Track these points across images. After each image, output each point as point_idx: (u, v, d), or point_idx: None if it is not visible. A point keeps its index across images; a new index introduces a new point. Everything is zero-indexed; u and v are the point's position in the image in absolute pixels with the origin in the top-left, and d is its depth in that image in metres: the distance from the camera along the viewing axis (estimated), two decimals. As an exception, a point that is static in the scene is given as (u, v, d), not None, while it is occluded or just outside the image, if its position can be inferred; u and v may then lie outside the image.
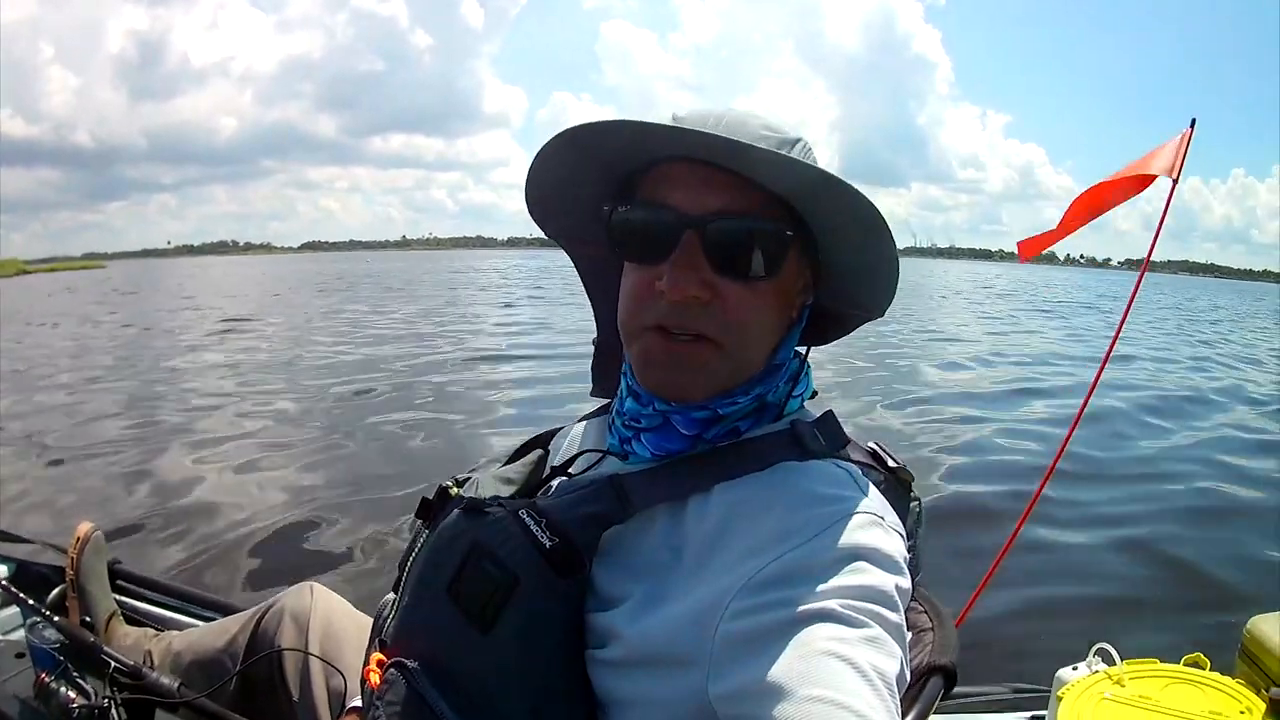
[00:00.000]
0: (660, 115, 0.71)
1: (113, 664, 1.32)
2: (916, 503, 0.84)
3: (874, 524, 0.64)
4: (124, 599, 1.79)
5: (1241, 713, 1.47)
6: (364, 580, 3.28)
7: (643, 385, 0.75)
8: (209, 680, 1.34)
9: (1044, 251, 2.74)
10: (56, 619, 1.41)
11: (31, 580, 1.75)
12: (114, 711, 1.25)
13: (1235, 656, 1.68)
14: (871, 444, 0.83)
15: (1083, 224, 2.55)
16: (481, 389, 8.60)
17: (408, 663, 0.68)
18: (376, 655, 0.73)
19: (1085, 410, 2.54)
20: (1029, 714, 1.75)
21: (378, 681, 0.70)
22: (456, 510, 0.73)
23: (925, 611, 0.92)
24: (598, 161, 0.73)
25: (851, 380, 9.28)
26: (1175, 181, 2.44)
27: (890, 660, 0.55)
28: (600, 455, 0.81)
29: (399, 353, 11.52)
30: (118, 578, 1.82)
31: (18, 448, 5.86)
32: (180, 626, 1.71)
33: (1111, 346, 2.59)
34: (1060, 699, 1.53)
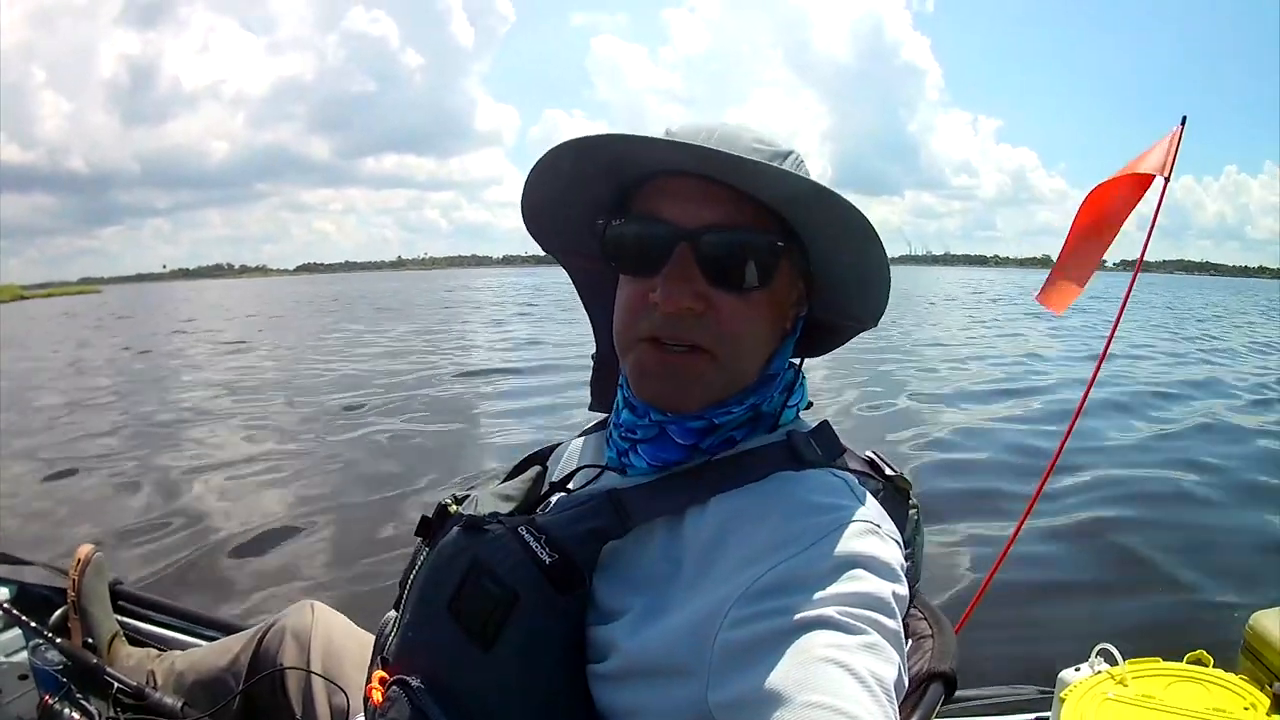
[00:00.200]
0: (652, 129, 0.72)
1: (116, 684, 1.33)
2: (914, 511, 0.84)
3: (871, 532, 0.65)
4: (126, 620, 1.79)
5: (1245, 709, 1.47)
6: (364, 598, 3.28)
7: (638, 396, 0.75)
8: (212, 700, 1.34)
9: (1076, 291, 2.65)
10: (59, 640, 1.41)
11: (33, 602, 1.75)
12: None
13: (1238, 653, 1.69)
14: (868, 453, 0.83)
15: (1100, 254, 2.53)
16: (480, 405, 8.63)
17: (410, 680, 0.68)
18: (379, 673, 0.73)
19: (1081, 412, 2.54)
20: (1033, 716, 1.75)
21: (380, 699, 0.70)
22: (456, 528, 0.74)
23: (924, 618, 0.92)
24: (592, 176, 0.74)
25: (847, 386, 9.29)
26: (1167, 180, 2.44)
27: (888, 667, 0.55)
28: (599, 470, 0.81)
29: (396, 370, 11.55)
30: (119, 599, 1.82)
31: (19, 469, 5.86)
32: (182, 646, 1.71)
33: (1106, 349, 2.59)
34: (1063, 700, 1.53)
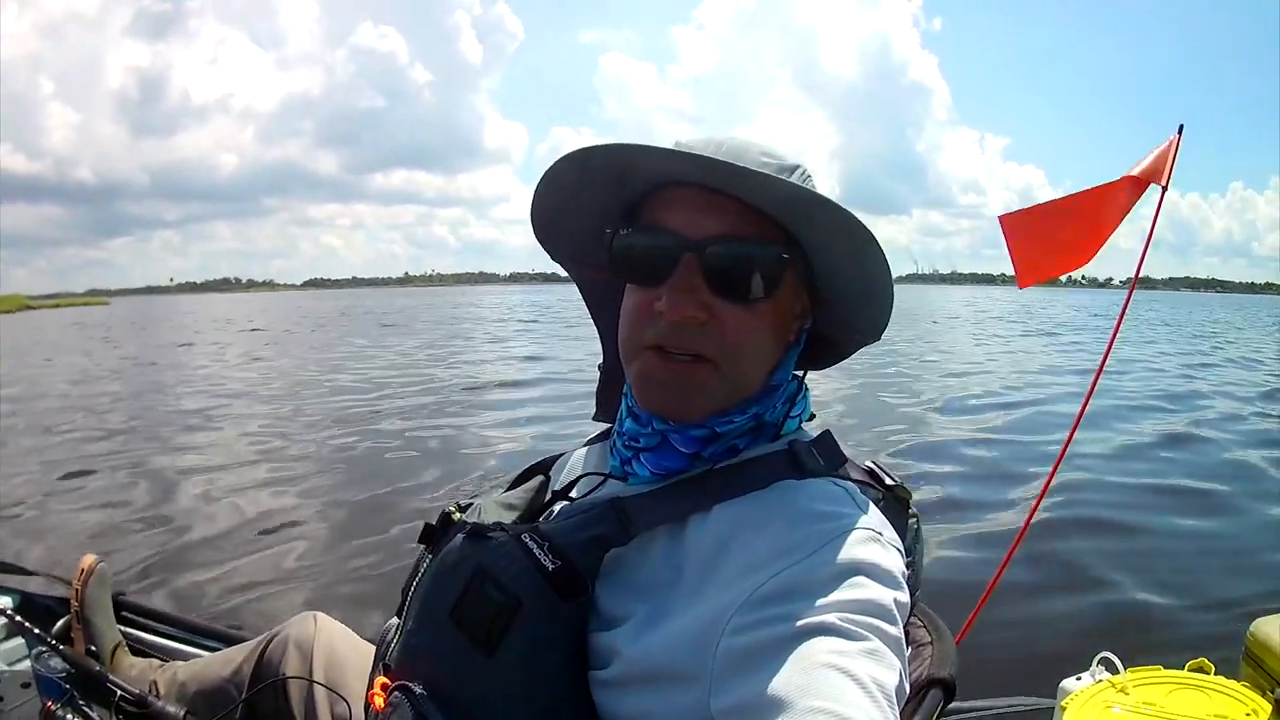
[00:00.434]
0: (662, 145, 0.73)
1: (118, 692, 1.33)
2: (914, 520, 0.84)
3: (872, 539, 0.65)
4: (129, 630, 1.79)
5: (1247, 715, 1.47)
6: (367, 608, 3.27)
7: (642, 405, 0.76)
8: (214, 709, 1.34)
9: (1048, 279, 2.65)
10: (62, 648, 1.42)
11: (37, 612, 1.75)
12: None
13: (1239, 660, 1.68)
14: (869, 463, 0.84)
15: (1092, 253, 2.51)
16: (485, 417, 8.62)
17: (413, 686, 0.68)
18: (381, 679, 0.74)
19: (1079, 423, 2.54)
20: None
21: (382, 705, 0.70)
22: (460, 535, 0.74)
23: (924, 626, 0.93)
24: (600, 185, 0.75)
25: (850, 398, 9.29)
26: (1165, 188, 2.44)
27: (889, 673, 0.56)
28: (601, 479, 0.82)
29: (400, 383, 11.56)
30: (122, 609, 1.82)
31: (23, 479, 5.86)
32: (185, 657, 1.71)
33: (1104, 360, 2.59)
34: (1065, 709, 1.53)
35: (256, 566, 3.99)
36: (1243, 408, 9.03)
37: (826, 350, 0.86)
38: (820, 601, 0.58)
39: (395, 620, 0.81)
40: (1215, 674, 1.59)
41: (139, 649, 1.75)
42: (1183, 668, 1.61)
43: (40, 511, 5.01)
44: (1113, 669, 1.61)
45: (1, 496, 5.32)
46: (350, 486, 5.49)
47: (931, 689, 0.82)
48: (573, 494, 0.84)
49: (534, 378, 12.26)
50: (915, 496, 0.84)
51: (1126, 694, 1.54)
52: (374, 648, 0.86)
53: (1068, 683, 1.62)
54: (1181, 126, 2.49)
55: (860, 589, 0.60)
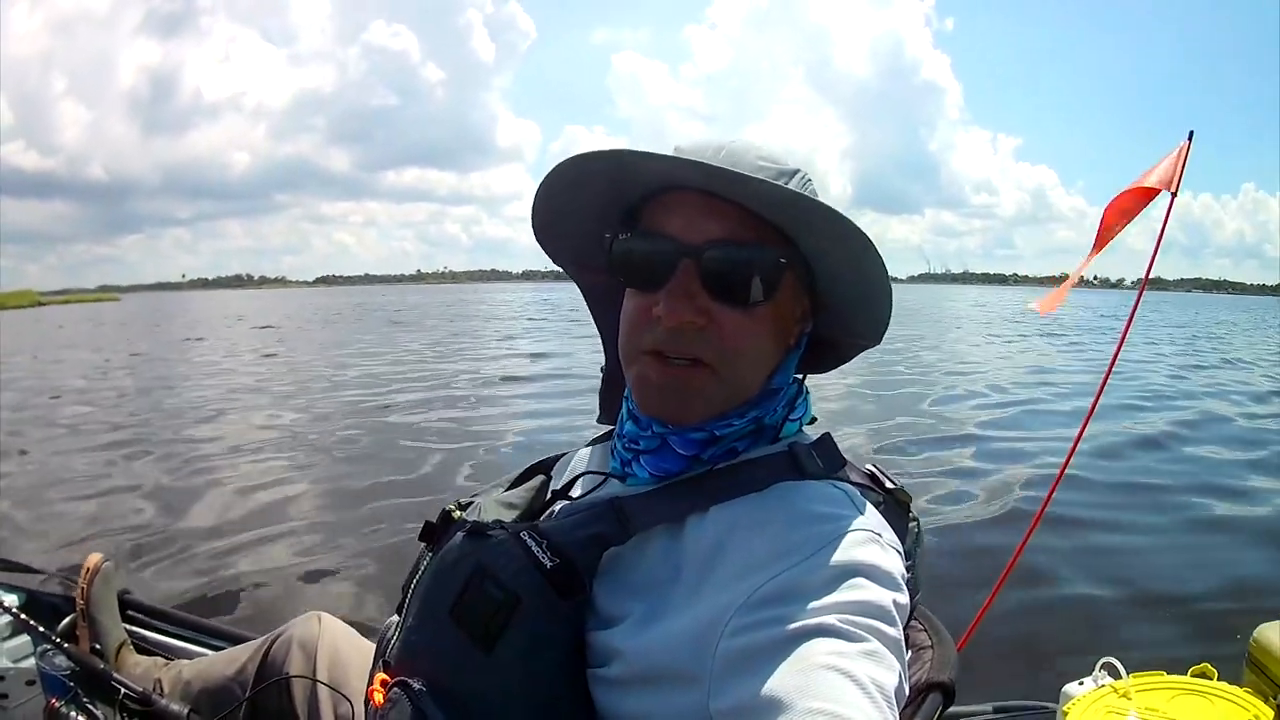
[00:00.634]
0: (672, 145, 0.74)
1: (123, 690, 1.33)
2: (915, 523, 0.84)
3: (872, 541, 0.65)
4: (134, 628, 1.80)
5: (1250, 722, 1.47)
6: (371, 609, 3.29)
7: (640, 409, 0.76)
8: (218, 708, 1.34)
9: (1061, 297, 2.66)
10: (67, 646, 1.42)
11: (42, 610, 1.76)
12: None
13: (1242, 665, 1.68)
14: (869, 466, 0.84)
15: (1094, 254, 2.52)
16: (490, 415, 8.64)
17: (412, 682, 0.69)
18: (380, 675, 0.74)
19: (1087, 426, 2.54)
20: None
21: (381, 701, 0.71)
22: (460, 533, 0.75)
23: (924, 630, 0.93)
24: (600, 190, 0.75)
25: (854, 401, 9.28)
26: (1174, 195, 2.43)
27: (889, 674, 0.56)
28: (602, 478, 0.82)
29: (407, 379, 11.59)
30: (128, 608, 1.83)
31: (30, 477, 5.90)
32: (190, 655, 1.72)
33: (1111, 366, 2.58)
34: (1067, 714, 1.52)
35: (261, 565, 4.00)
36: (1246, 410, 8.99)
37: (827, 354, 0.86)
38: (819, 603, 0.59)
39: (395, 617, 0.81)
40: (1218, 680, 1.58)
41: (144, 647, 1.76)
42: (1186, 673, 1.61)
43: (46, 510, 5.03)
44: (1115, 674, 1.60)
45: (8, 493, 5.35)
46: (357, 485, 5.50)
47: (931, 693, 0.82)
48: (573, 493, 0.85)
49: (540, 373, 12.29)
50: (916, 500, 0.84)
51: (1129, 699, 1.53)
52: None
53: (1070, 687, 1.61)
54: (1191, 133, 2.49)
55: (859, 590, 0.60)
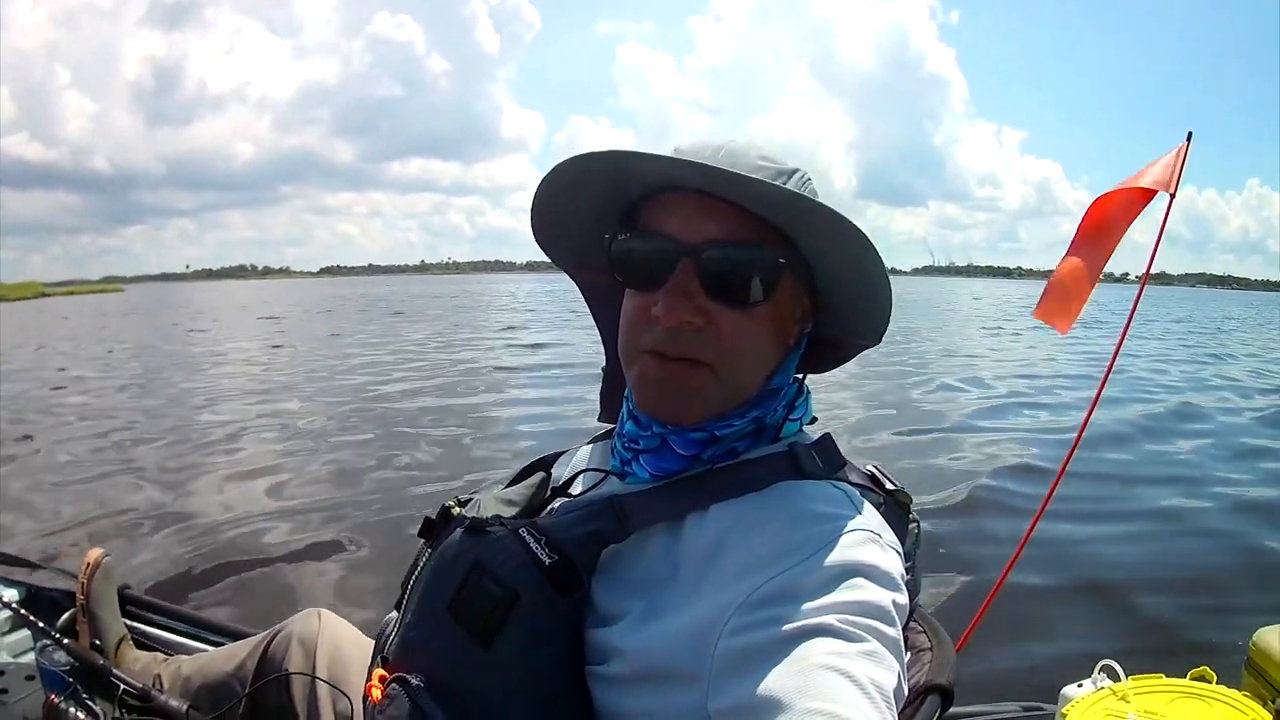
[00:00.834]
0: (677, 138, 0.74)
1: (122, 686, 1.34)
2: (915, 524, 0.84)
3: (871, 541, 0.65)
4: (133, 624, 1.80)
5: (1248, 726, 1.47)
6: (371, 606, 3.28)
7: (640, 407, 0.76)
8: (217, 704, 1.34)
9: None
10: (66, 642, 1.42)
11: (42, 605, 1.76)
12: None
13: (1241, 669, 1.68)
14: (869, 466, 0.84)
15: (1099, 268, 2.49)
16: (492, 409, 8.64)
17: (410, 679, 0.69)
18: (379, 671, 0.74)
19: (1086, 426, 2.53)
20: None
21: (379, 697, 0.71)
22: (459, 529, 0.75)
23: (924, 631, 0.92)
24: (599, 191, 0.75)
25: (851, 397, 9.28)
26: (1172, 196, 2.43)
27: (888, 674, 0.56)
28: (601, 476, 0.82)
29: (410, 373, 11.60)
30: (127, 603, 1.83)
31: (30, 471, 5.91)
32: (189, 651, 1.72)
33: (1112, 363, 2.58)
34: (1065, 716, 1.53)
35: (261, 561, 4.01)
36: (1247, 412, 8.99)
37: (827, 354, 0.86)
38: (818, 603, 0.59)
39: (395, 614, 0.82)
40: (1217, 683, 1.59)
41: (144, 643, 1.76)
42: (1184, 676, 1.61)
43: (46, 505, 5.03)
44: (1114, 676, 1.61)
45: (8, 487, 5.36)
46: (358, 483, 5.50)
47: (930, 695, 0.82)
48: (572, 490, 0.85)
49: (539, 363, 12.30)
50: (915, 500, 0.84)
51: (1127, 702, 1.53)
52: None
53: (1069, 689, 1.62)
54: (1190, 134, 2.48)
55: (859, 590, 0.60)
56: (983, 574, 3.55)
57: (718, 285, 0.70)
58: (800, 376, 0.84)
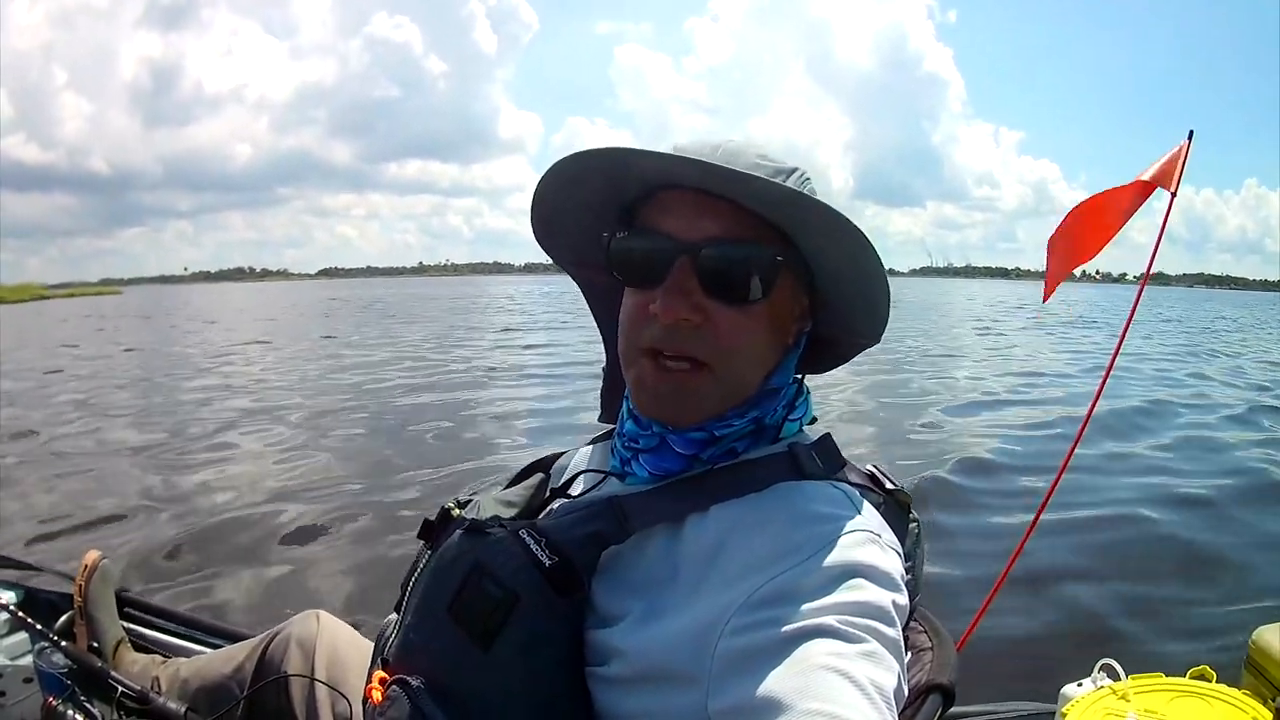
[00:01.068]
0: (675, 139, 0.74)
1: (120, 689, 1.33)
2: (915, 524, 0.84)
3: (871, 541, 0.65)
4: (132, 626, 1.79)
5: (1248, 724, 1.47)
6: (370, 608, 3.28)
7: (639, 411, 0.77)
8: (215, 706, 1.34)
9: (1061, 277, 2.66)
10: (64, 644, 1.42)
11: (40, 607, 1.76)
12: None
13: (1241, 668, 1.68)
14: (869, 467, 0.84)
15: (1090, 253, 2.51)
16: (492, 410, 8.64)
17: (410, 680, 0.69)
18: (379, 673, 0.74)
19: (1086, 426, 2.53)
20: None
21: (379, 699, 0.71)
22: (458, 531, 0.75)
23: (924, 631, 0.92)
24: (598, 189, 0.75)
25: (852, 396, 9.29)
26: (1173, 194, 2.43)
27: (888, 675, 0.56)
28: (601, 476, 0.82)
29: (408, 373, 11.60)
30: (125, 605, 1.83)
31: (28, 473, 5.89)
32: (187, 654, 1.71)
33: (1112, 363, 2.57)
34: (1065, 715, 1.53)
35: (259, 563, 4.00)
36: (1247, 414, 8.99)
37: (826, 353, 0.86)
38: (818, 603, 0.59)
39: (394, 615, 0.81)
40: (1217, 682, 1.58)
41: (142, 645, 1.75)
42: (1184, 675, 1.61)
43: (44, 506, 5.02)
44: (1114, 675, 1.61)
45: (5, 490, 5.35)
46: (357, 482, 5.50)
47: (931, 694, 0.82)
48: (572, 491, 0.85)
49: (537, 363, 12.29)
50: (916, 500, 0.84)
51: (1127, 701, 1.53)
52: None
53: (1069, 689, 1.62)
54: (1191, 132, 2.48)
55: (859, 591, 0.60)
56: (982, 573, 3.54)
57: (716, 283, 0.70)
58: (799, 377, 0.84)
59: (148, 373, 12.71)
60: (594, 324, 0.92)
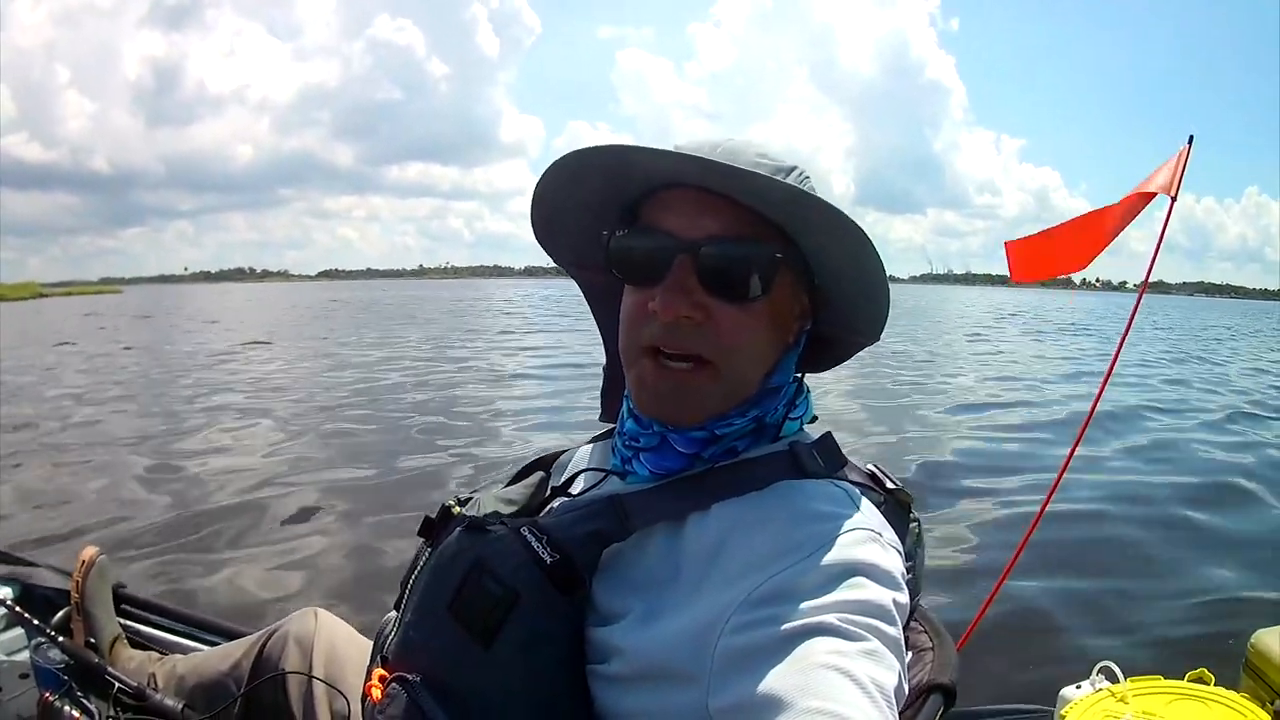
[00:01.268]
0: (675, 143, 0.74)
1: (117, 684, 1.33)
2: (916, 523, 0.84)
3: (872, 540, 0.65)
4: (128, 623, 1.79)
5: (1246, 728, 1.47)
6: (369, 605, 3.27)
7: (639, 410, 0.76)
8: (212, 703, 1.34)
9: (1049, 279, 2.67)
10: (61, 639, 1.41)
11: (36, 603, 1.75)
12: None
13: (1240, 671, 1.68)
14: (870, 466, 0.84)
15: (1090, 258, 2.51)
16: (491, 409, 8.64)
17: (410, 678, 0.69)
18: (379, 671, 0.74)
19: (1085, 430, 2.53)
20: None
21: (379, 696, 0.70)
22: (459, 528, 0.75)
23: (925, 631, 0.92)
24: (598, 188, 0.75)
25: (852, 397, 9.29)
26: (1173, 199, 2.43)
27: (888, 673, 0.56)
28: (602, 475, 0.82)
29: (407, 373, 11.60)
30: (122, 601, 1.82)
31: (24, 468, 5.89)
32: (185, 650, 1.71)
33: (1111, 367, 2.58)
34: (1064, 717, 1.52)
35: (257, 560, 4.00)
36: (1250, 418, 9.00)
37: (825, 352, 0.86)
38: (819, 602, 0.58)
39: (394, 613, 0.81)
40: (1215, 685, 1.58)
41: (138, 642, 1.75)
42: (1183, 678, 1.61)
43: (41, 502, 5.02)
44: (1113, 678, 1.61)
45: (2, 485, 5.34)
46: (356, 481, 5.50)
47: (932, 694, 0.82)
48: (572, 490, 0.85)
49: (539, 364, 12.29)
50: (917, 500, 0.84)
51: (1126, 703, 1.53)
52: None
53: (1067, 691, 1.62)
54: (1191, 138, 2.49)
55: (859, 589, 0.60)
56: (982, 576, 3.55)
57: (716, 281, 0.70)
58: (799, 375, 0.84)
59: (146, 370, 12.71)
60: (594, 325, 0.92)
